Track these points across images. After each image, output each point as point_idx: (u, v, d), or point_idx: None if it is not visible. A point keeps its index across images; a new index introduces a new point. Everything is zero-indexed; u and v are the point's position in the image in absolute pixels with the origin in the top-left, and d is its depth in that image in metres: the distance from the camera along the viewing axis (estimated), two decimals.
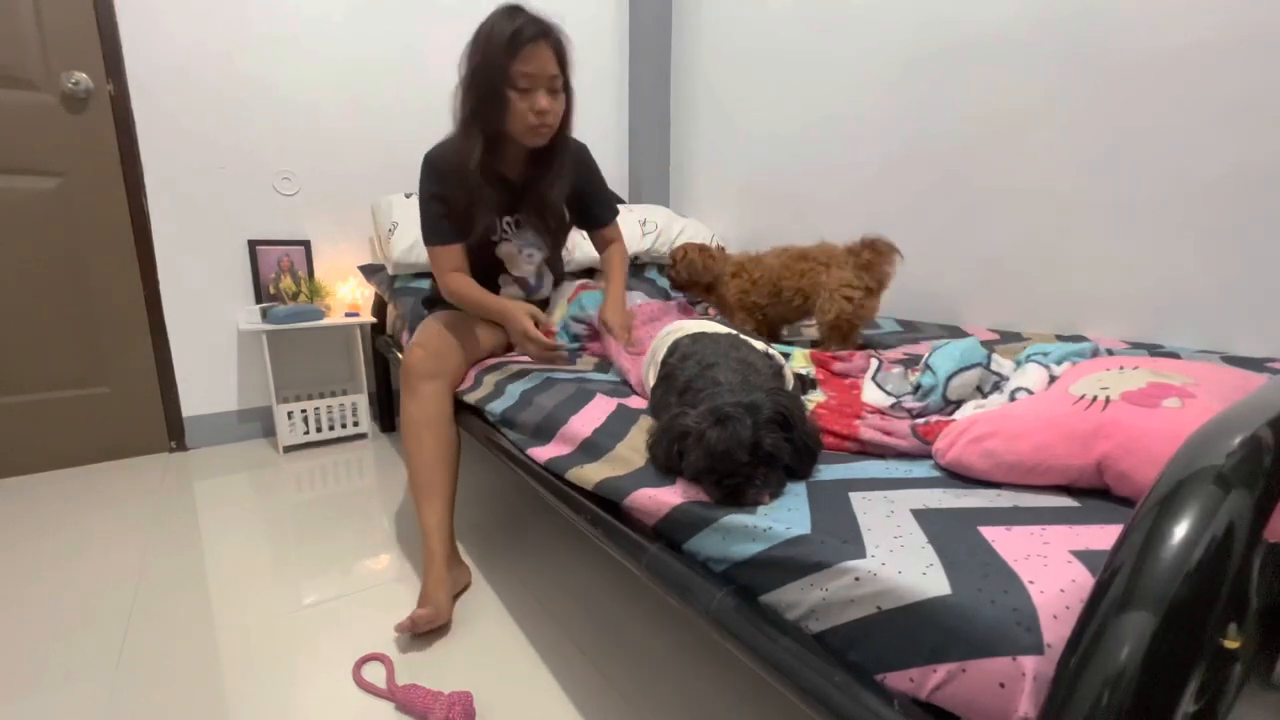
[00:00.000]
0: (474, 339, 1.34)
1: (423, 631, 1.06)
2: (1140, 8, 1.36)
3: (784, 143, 2.24)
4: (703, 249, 1.57)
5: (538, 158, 1.30)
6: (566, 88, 1.21)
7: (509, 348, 1.44)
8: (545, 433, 0.98)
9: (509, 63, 1.12)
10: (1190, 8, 1.30)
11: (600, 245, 1.52)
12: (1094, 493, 0.60)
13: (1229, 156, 1.28)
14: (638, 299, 1.58)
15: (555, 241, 1.45)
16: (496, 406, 1.13)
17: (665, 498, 0.70)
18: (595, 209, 1.46)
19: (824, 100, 2.08)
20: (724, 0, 2.39)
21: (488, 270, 1.38)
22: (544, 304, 1.52)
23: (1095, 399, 0.63)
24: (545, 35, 1.13)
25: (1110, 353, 1.06)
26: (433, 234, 1.29)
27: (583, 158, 1.40)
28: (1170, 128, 1.35)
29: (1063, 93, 1.51)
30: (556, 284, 1.55)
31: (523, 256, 1.40)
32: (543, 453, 0.95)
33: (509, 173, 1.31)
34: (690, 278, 1.56)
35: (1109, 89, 1.43)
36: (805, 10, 2.09)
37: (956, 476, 0.68)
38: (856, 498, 0.63)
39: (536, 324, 1.22)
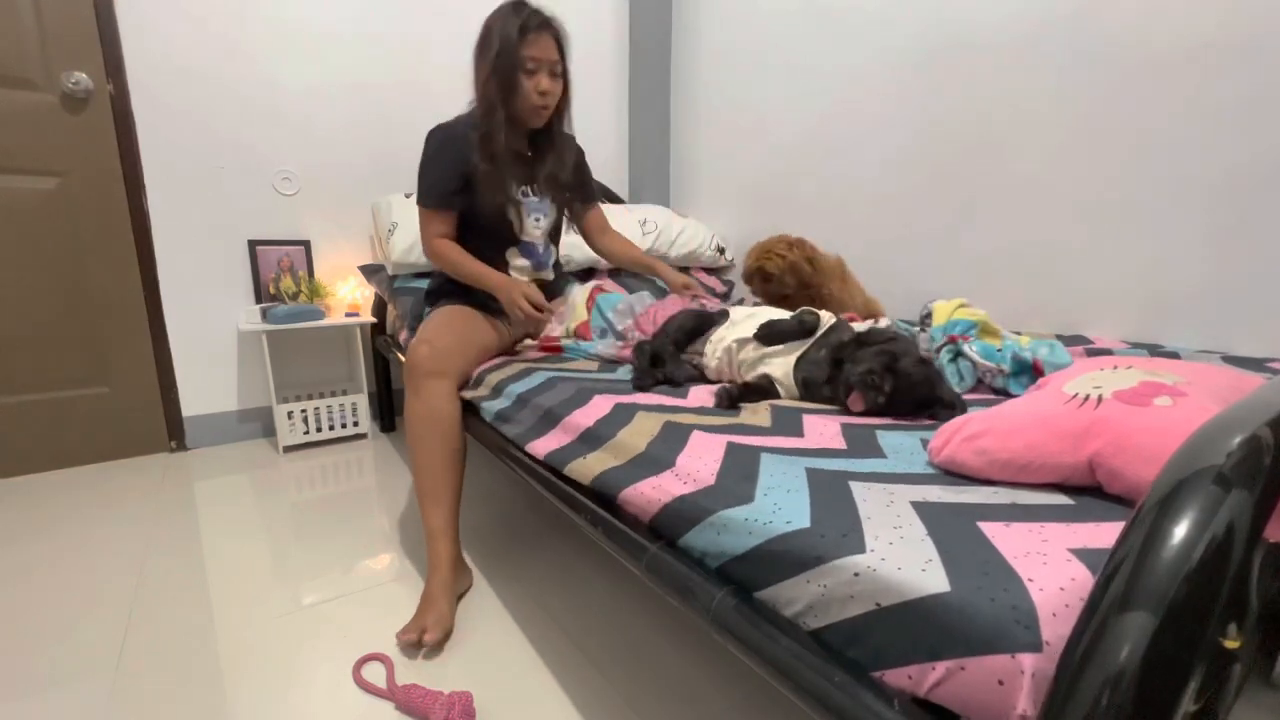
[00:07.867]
0: (480, 336, 1.33)
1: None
2: (1141, 8, 1.36)
3: (784, 142, 2.24)
4: (794, 245, 1.49)
5: (536, 138, 1.43)
6: (565, 74, 1.35)
7: (514, 347, 1.44)
8: (545, 425, 0.98)
9: (518, 48, 1.26)
10: (1191, 8, 1.30)
11: (592, 231, 1.61)
12: (1086, 490, 0.60)
13: (1229, 156, 1.28)
14: (647, 300, 1.57)
15: (563, 206, 1.54)
16: (493, 406, 1.13)
17: (668, 487, 0.69)
18: (588, 185, 1.61)
19: (824, 100, 2.08)
20: (724, 1, 2.39)
21: (498, 240, 1.43)
22: (544, 285, 1.53)
23: (1088, 398, 0.63)
24: (548, 25, 1.29)
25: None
26: (431, 197, 1.35)
27: (576, 143, 1.54)
28: (1171, 127, 1.35)
29: (1063, 92, 1.51)
30: (557, 267, 1.58)
31: (530, 220, 1.45)
32: (542, 445, 0.95)
33: (519, 149, 1.42)
34: (800, 284, 1.48)
35: (1109, 89, 1.43)
36: (805, 10, 2.09)
37: (952, 474, 0.68)
38: (857, 487, 0.63)
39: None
